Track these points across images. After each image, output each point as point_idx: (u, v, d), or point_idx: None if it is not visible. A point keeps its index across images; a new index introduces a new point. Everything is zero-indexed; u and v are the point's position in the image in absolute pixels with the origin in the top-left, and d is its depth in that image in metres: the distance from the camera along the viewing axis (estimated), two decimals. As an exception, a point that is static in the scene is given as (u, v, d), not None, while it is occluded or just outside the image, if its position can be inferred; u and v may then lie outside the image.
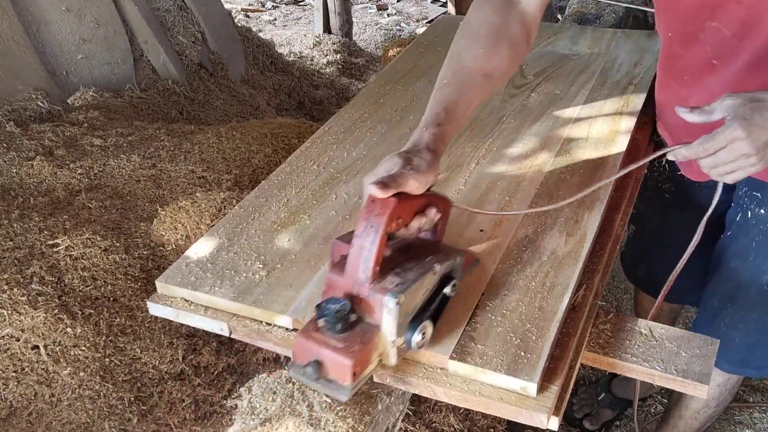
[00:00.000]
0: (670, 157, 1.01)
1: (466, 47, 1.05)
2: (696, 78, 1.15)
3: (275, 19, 5.29)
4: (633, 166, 1.07)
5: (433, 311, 0.91)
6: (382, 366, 0.89)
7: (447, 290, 0.94)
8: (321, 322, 0.83)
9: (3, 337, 1.46)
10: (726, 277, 1.35)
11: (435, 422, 1.57)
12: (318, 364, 0.82)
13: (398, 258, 0.91)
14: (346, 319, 0.84)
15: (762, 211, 1.26)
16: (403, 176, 0.86)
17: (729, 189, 1.36)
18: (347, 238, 0.93)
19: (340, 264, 0.89)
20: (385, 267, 0.87)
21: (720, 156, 0.94)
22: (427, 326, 0.90)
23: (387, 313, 0.84)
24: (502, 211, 1.16)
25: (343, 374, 0.82)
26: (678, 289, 1.68)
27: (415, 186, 0.87)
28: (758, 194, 1.27)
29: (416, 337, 0.88)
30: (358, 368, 0.83)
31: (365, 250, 0.85)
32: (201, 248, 1.12)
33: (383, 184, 0.84)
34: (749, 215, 1.29)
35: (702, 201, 1.42)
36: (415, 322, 0.88)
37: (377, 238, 0.85)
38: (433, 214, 0.93)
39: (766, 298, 1.28)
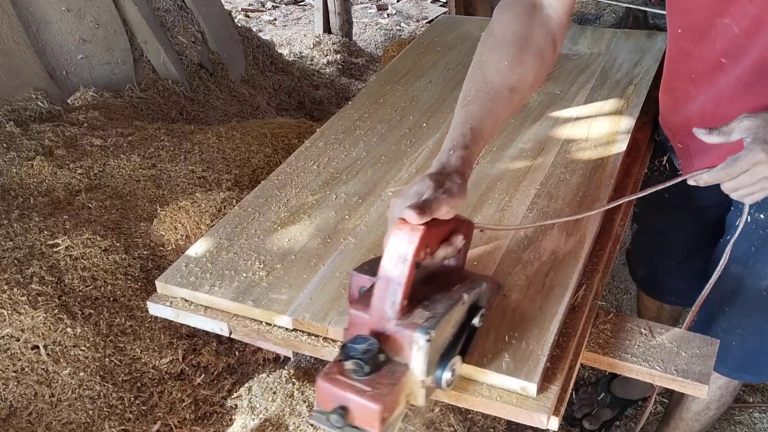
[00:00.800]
0: (690, 182, 1.02)
1: (489, 59, 0.99)
2: (705, 76, 1.14)
3: (275, 19, 5.28)
4: (650, 190, 1.06)
5: (461, 345, 0.85)
6: (410, 407, 0.83)
7: (475, 321, 0.87)
8: (348, 365, 0.75)
9: (3, 337, 1.46)
10: (725, 282, 1.34)
11: (435, 422, 1.57)
12: (343, 411, 0.75)
13: (423, 289, 0.83)
14: (375, 360, 0.76)
15: (762, 215, 1.25)
16: (437, 201, 0.80)
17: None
18: (366, 268, 0.88)
19: (363, 298, 0.82)
20: (412, 299, 0.80)
21: (741, 179, 0.96)
22: (457, 362, 0.84)
23: (417, 351, 0.78)
24: (521, 225, 1.12)
25: (371, 421, 0.74)
26: (676, 290, 1.68)
27: (445, 211, 0.82)
28: None
29: (446, 375, 0.82)
30: (387, 413, 0.75)
31: (393, 283, 0.78)
32: (201, 248, 1.12)
33: (420, 209, 0.78)
34: (749, 219, 1.28)
35: (701, 202, 1.42)
36: (444, 358, 0.82)
37: (406, 269, 0.78)
38: (459, 241, 0.86)
39: (765, 304, 1.28)
